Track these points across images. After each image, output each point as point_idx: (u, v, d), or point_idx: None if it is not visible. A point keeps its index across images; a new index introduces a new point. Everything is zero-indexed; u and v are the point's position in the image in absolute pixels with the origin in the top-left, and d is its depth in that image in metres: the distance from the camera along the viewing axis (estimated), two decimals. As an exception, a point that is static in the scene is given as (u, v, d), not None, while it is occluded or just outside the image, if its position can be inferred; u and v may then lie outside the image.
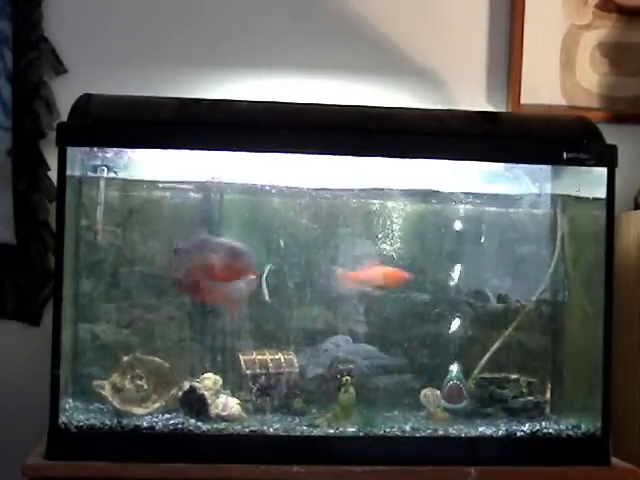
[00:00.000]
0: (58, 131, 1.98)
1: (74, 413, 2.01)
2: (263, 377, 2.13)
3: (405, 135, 2.05)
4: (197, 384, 2.07)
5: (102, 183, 2.12)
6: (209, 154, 2.06)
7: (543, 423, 2.10)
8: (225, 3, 2.48)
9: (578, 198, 2.20)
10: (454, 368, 2.19)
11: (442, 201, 2.28)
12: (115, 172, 2.13)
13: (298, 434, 2.02)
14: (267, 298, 2.13)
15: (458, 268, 2.27)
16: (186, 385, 2.07)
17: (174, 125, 2.01)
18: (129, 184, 2.18)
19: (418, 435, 2.03)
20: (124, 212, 2.20)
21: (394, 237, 2.24)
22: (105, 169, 2.11)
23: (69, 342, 2.08)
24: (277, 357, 2.16)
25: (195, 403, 2.05)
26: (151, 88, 2.30)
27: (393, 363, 2.22)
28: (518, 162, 2.15)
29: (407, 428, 2.05)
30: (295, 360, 2.17)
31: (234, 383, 2.14)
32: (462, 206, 2.28)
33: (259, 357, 2.16)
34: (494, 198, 2.28)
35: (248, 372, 2.14)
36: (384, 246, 2.24)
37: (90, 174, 2.13)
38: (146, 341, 2.18)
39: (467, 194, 2.26)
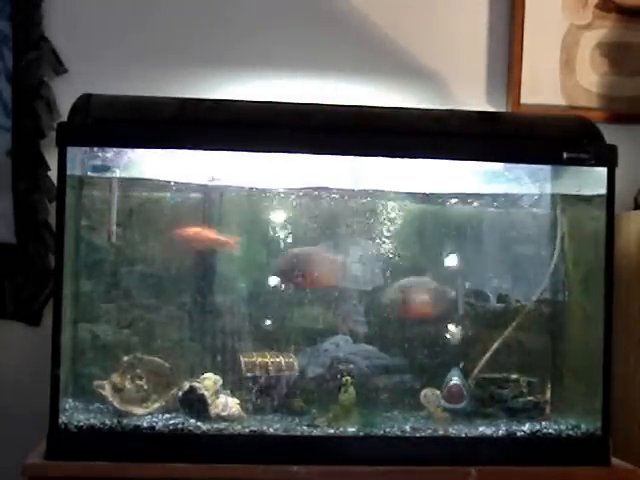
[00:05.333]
0: (58, 131, 1.98)
1: (74, 413, 2.01)
2: (263, 378, 2.14)
3: (405, 135, 2.04)
4: (197, 384, 2.06)
5: (115, 184, 2.13)
6: (209, 154, 2.06)
7: (543, 423, 2.10)
8: (226, 4, 2.48)
9: (578, 198, 2.20)
10: (454, 369, 2.19)
11: (442, 201, 2.28)
12: (115, 172, 2.13)
13: (298, 434, 2.01)
14: None
15: (458, 268, 2.28)
16: (186, 385, 2.07)
17: (174, 125, 2.01)
18: (129, 184, 2.18)
19: (418, 435, 2.03)
20: (124, 212, 2.20)
21: (394, 237, 2.24)
22: (116, 170, 2.11)
23: (69, 342, 2.08)
24: (278, 360, 2.16)
25: (195, 403, 2.05)
26: (151, 88, 2.30)
27: (393, 363, 2.22)
28: (518, 162, 2.15)
29: (407, 428, 2.04)
30: (296, 363, 2.17)
31: (234, 383, 2.14)
32: (462, 206, 2.28)
33: (260, 359, 2.15)
34: (494, 198, 2.28)
35: (248, 375, 2.13)
36: (384, 246, 2.24)
37: (90, 174, 2.13)
38: (146, 341, 2.18)
39: (467, 194, 2.26)
